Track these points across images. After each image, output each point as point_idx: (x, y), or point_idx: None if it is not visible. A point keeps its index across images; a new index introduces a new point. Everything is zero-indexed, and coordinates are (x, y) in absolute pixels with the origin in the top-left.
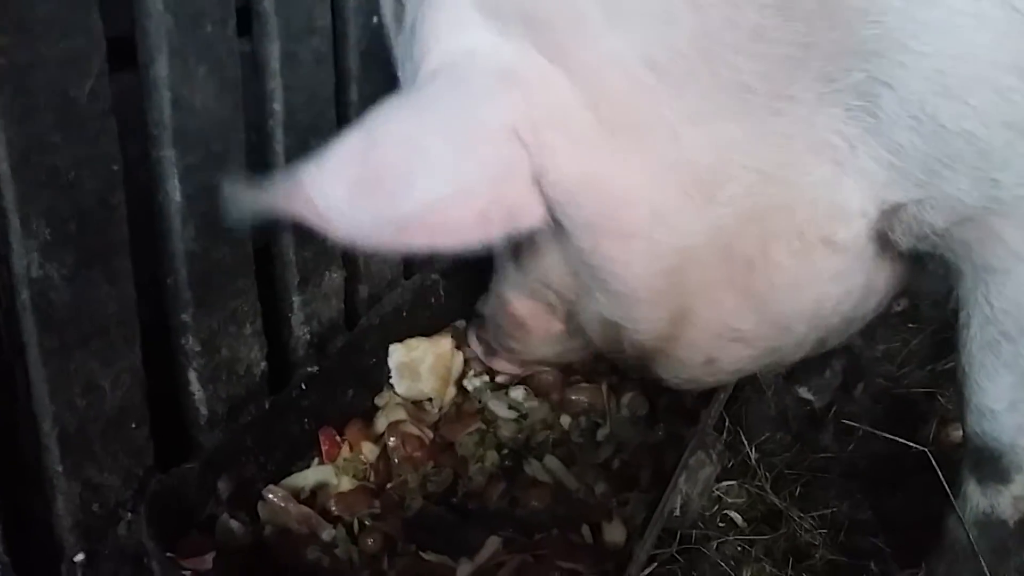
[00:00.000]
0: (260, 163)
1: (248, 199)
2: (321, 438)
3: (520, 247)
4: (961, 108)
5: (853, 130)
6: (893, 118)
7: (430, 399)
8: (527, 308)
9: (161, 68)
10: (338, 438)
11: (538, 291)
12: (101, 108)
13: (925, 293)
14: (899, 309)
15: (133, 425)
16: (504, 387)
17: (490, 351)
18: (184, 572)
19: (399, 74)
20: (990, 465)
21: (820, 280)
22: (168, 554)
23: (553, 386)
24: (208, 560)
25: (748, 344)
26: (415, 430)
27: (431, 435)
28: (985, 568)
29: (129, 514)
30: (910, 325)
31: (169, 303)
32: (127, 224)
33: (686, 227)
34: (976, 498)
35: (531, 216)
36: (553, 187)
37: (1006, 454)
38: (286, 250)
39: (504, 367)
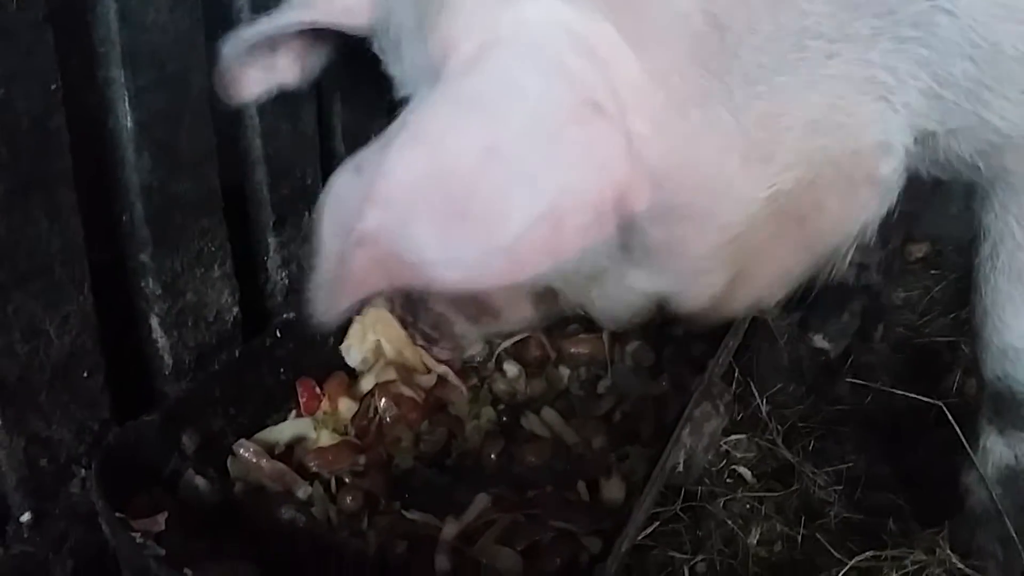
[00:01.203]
0: None
1: (321, 293)
2: (299, 389)
3: None
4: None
5: (903, 63)
6: (949, 47)
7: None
8: (503, 296)
9: None
10: (318, 390)
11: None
12: (34, 17)
13: (948, 238)
14: (920, 255)
15: (85, 374)
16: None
17: (431, 340)
18: (134, 534)
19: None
20: (1012, 411)
21: (863, 213)
22: (118, 514)
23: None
24: (160, 521)
25: (794, 278)
26: (408, 391)
27: (423, 395)
28: (1011, 528)
29: (83, 471)
30: (932, 272)
31: (125, 242)
32: (70, 151)
33: (749, 196)
34: (999, 450)
35: (641, 198)
36: None
37: None
38: (259, 187)
39: (446, 355)
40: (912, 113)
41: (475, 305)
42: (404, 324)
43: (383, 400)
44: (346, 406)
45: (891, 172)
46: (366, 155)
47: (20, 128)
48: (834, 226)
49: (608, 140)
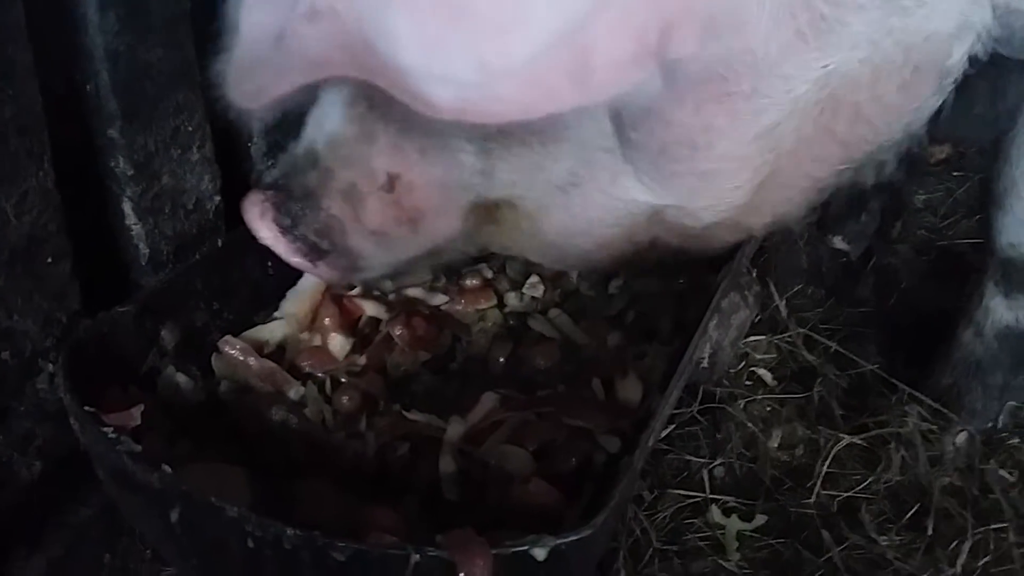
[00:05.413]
0: None
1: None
2: None
3: None
4: None
5: None
6: None
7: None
8: (437, 199)
9: None
10: None
11: (507, 183)
12: None
13: (971, 139)
14: (942, 157)
15: (48, 259)
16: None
17: (316, 253)
18: (106, 429)
19: None
20: (1019, 277)
21: (923, 106)
22: (88, 408)
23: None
24: (136, 415)
25: (826, 186)
26: (422, 308)
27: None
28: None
29: (50, 365)
30: (955, 174)
31: (92, 115)
32: (23, 4)
33: (797, 77)
34: (1000, 312)
35: (690, 37)
36: None
37: None
38: None
39: (330, 274)
40: None
41: (388, 204)
42: (281, 230)
43: (398, 329)
44: (338, 343)
45: (960, 59)
46: None
47: None
48: (890, 121)
49: None
